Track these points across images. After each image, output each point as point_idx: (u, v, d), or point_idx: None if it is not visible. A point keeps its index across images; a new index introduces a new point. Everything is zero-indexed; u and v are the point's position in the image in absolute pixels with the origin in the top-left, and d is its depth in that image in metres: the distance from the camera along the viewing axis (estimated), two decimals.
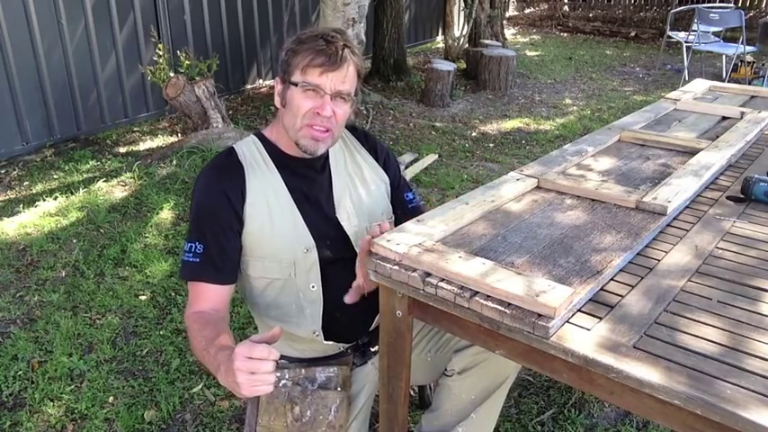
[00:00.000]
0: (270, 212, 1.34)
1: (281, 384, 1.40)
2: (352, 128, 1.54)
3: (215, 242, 1.32)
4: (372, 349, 1.50)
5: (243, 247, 1.36)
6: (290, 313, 1.42)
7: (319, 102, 1.27)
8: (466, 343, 1.40)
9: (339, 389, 1.39)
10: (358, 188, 1.44)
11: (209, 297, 1.33)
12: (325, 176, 1.42)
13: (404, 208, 1.52)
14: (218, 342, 1.17)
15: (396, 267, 1.10)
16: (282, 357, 1.48)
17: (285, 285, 1.39)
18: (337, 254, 1.39)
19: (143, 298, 2.70)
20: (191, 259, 1.32)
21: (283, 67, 1.31)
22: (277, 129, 1.39)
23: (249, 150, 1.39)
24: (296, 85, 1.28)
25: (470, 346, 1.38)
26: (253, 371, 1.03)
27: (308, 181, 1.39)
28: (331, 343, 1.44)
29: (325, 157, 1.42)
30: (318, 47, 1.25)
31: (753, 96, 2.42)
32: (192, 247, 1.32)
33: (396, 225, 1.28)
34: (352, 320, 1.43)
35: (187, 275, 1.34)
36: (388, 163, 1.53)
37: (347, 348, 1.47)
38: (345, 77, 1.28)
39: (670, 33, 6.94)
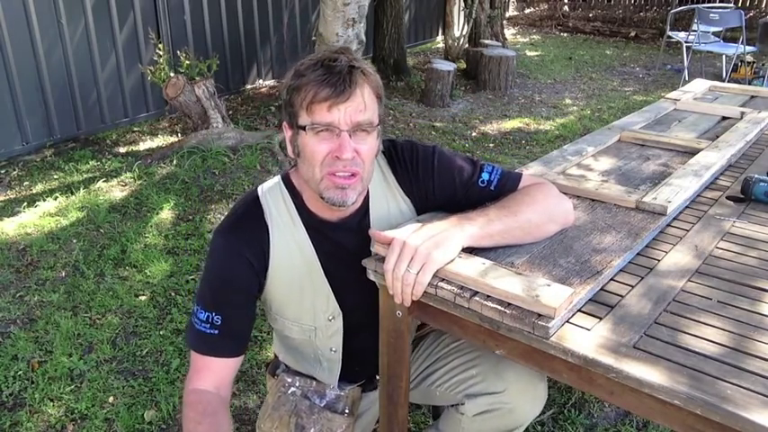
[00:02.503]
0: (294, 279, 1.22)
1: (289, 392, 1.38)
2: (388, 150, 1.29)
3: (234, 312, 1.20)
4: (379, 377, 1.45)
5: (264, 302, 1.29)
6: (309, 361, 1.39)
7: (336, 143, 1.06)
8: (479, 390, 1.29)
9: (347, 411, 1.36)
10: None
11: (216, 370, 1.21)
12: (366, 239, 1.20)
13: (483, 198, 1.26)
14: None
15: None
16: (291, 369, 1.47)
17: (305, 343, 1.33)
18: (371, 319, 1.23)
19: (143, 298, 2.70)
20: (207, 331, 1.18)
21: (287, 110, 1.12)
22: (298, 176, 1.21)
23: (275, 203, 1.22)
24: (305, 129, 1.08)
25: (484, 394, 1.28)
26: None
27: (342, 242, 1.23)
28: (347, 386, 1.42)
29: (365, 212, 1.23)
30: (319, 77, 1.04)
31: (753, 96, 2.42)
32: (208, 316, 1.18)
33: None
34: (370, 368, 1.37)
35: (196, 346, 1.21)
36: (433, 191, 1.26)
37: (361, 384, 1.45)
38: (362, 104, 1.07)
39: (670, 33, 6.94)
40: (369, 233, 1.15)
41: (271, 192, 1.23)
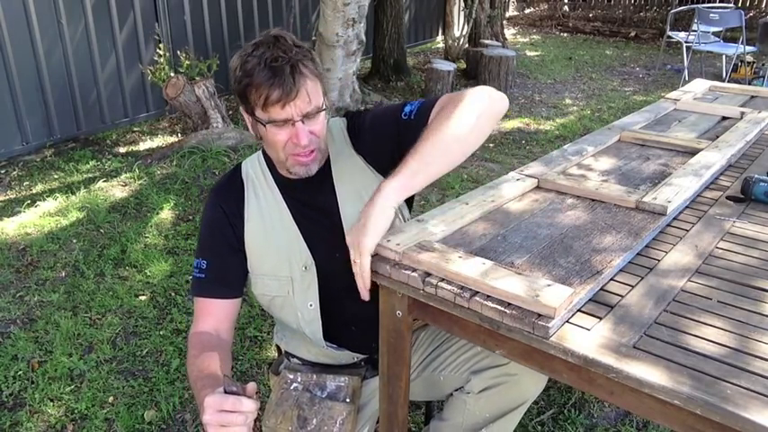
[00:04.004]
0: (268, 229, 1.35)
1: (291, 387, 1.41)
2: (345, 118, 1.44)
3: (217, 258, 1.34)
4: None
5: (247, 264, 1.36)
6: (294, 331, 1.42)
7: (293, 131, 1.22)
8: (485, 364, 1.36)
9: (347, 400, 1.39)
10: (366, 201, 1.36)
11: (212, 312, 1.33)
12: (330, 192, 1.37)
13: (409, 130, 1.31)
14: (208, 376, 1.16)
15: (396, 267, 1.10)
16: (296, 358, 1.49)
17: (285, 303, 1.38)
18: (345, 274, 1.29)
19: (143, 298, 2.70)
20: (197, 275, 1.34)
21: (241, 98, 1.24)
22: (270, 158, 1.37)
23: (253, 167, 1.39)
24: (264, 124, 1.23)
25: (490, 368, 1.34)
26: (223, 424, 0.98)
27: (310, 199, 1.37)
28: (345, 352, 1.43)
29: (327, 172, 1.37)
30: (267, 81, 1.17)
31: (753, 96, 2.41)
32: (198, 263, 1.34)
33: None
34: (363, 334, 1.40)
35: (193, 291, 1.36)
36: (372, 143, 1.37)
37: (361, 360, 1.46)
38: (307, 98, 1.21)
39: (670, 33, 6.94)
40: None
41: (250, 158, 1.43)
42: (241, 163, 1.42)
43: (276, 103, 1.19)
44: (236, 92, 1.25)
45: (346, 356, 1.44)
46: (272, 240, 1.34)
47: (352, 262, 1.14)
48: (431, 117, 1.29)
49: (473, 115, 1.22)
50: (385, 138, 1.35)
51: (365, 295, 1.15)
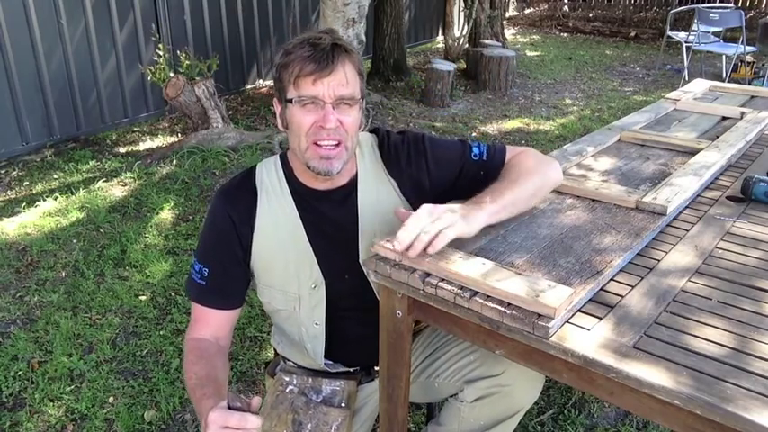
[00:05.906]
0: (279, 243, 1.27)
1: (287, 390, 1.40)
2: (375, 135, 1.36)
3: (220, 267, 1.28)
4: (377, 368, 1.43)
5: (252, 272, 1.32)
6: (295, 342, 1.40)
7: (321, 114, 1.13)
8: (477, 374, 1.33)
9: (343, 405, 1.38)
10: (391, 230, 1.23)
11: (211, 321, 1.30)
12: (351, 213, 1.27)
13: (479, 171, 1.32)
14: (208, 384, 1.14)
15: (396, 267, 1.10)
16: (291, 362, 1.48)
17: (290, 317, 1.35)
18: (354, 295, 1.29)
19: (143, 298, 2.70)
20: (197, 280, 1.29)
21: (277, 86, 1.20)
22: (291, 151, 1.29)
23: (269, 173, 1.30)
24: (292, 101, 1.15)
25: (482, 378, 1.32)
26: None
27: (327, 216, 1.28)
28: (341, 369, 1.42)
29: (352, 190, 1.28)
30: (305, 54, 1.12)
31: (753, 96, 2.41)
32: (199, 268, 1.29)
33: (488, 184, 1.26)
34: (360, 350, 1.38)
35: (192, 296, 1.31)
36: (427, 170, 1.30)
37: (355, 369, 1.45)
38: (344, 79, 1.14)
39: (670, 33, 6.94)
40: (393, 211, 1.17)
41: (266, 163, 1.33)
42: (255, 166, 1.33)
43: (309, 76, 1.12)
44: (274, 80, 1.20)
45: (341, 367, 1.44)
46: (282, 255, 1.28)
47: (423, 222, 1.07)
48: (506, 164, 1.33)
49: (547, 180, 1.33)
50: (446, 172, 1.32)
51: (417, 251, 1.07)
